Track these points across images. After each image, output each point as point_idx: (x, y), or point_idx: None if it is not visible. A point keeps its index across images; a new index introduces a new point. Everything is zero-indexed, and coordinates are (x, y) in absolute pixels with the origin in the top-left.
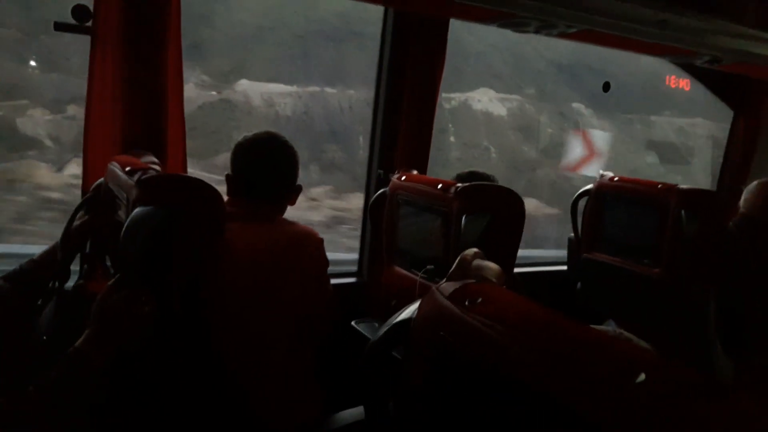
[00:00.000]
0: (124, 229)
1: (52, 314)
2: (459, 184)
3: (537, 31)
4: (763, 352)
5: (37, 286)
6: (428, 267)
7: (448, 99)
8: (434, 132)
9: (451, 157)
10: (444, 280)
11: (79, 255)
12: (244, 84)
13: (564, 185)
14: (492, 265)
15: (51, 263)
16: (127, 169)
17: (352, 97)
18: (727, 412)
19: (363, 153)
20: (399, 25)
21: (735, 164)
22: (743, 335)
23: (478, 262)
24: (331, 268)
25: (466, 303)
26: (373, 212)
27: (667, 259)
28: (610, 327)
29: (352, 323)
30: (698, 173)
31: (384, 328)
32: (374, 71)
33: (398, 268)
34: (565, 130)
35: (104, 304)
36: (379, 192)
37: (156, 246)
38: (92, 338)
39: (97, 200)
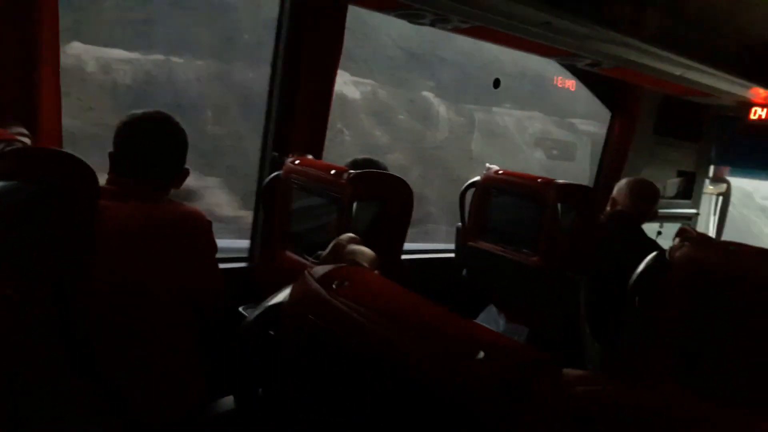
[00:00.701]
0: None
1: None
2: (351, 171)
3: (432, 24)
4: (625, 337)
5: None
6: (319, 252)
7: None
8: None
9: None
10: (317, 263)
11: None
12: (77, 47)
13: (411, 169)
14: (365, 250)
15: None
16: None
17: (201, 69)
18: (558, 389)
19: (212, 129)
20: (296, 8)
21: (611, 161)
22: (609, 321)
23: (351, 247)
24: (221, 253)
25: (334, 286)
26: (266, 195)
27: (545, 249)
28: (491, 312)
29: (240, 309)
30: (534, 161)
31: (257, 311)
32: (227, 43)
33: (290, 253)
34: (415, 117)
35: None
36: (273, 175)
37: (20, 224)
38: None
39: None
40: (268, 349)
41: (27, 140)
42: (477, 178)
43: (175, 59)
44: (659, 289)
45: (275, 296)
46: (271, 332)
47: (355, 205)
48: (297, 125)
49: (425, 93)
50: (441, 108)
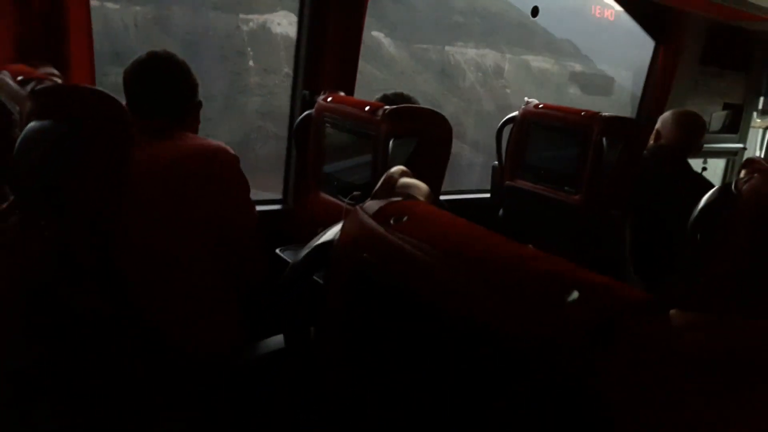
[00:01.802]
0: (17, 145)
1: None
2: (387, 107)
3: None
4: (671, 275)
5: None
6: (355, 193)
7: (246, 21)
8: (231, 55)
9: (250, 82)
10: (368, 199)
11: None
12: None
13: None
14: (419, 184)
15: None
16: (20, 78)
17: (138, 14)
18: (667, 329)
19: None
20: None
21: (654, 93)
22: (654, 259)
23: (404, 180)
24: (255, 195)
25: (391, 222)
26: (298, 135)
27: (588, 186)
28: None
29: (277, 251)
30: (488, 101)
31: (305, 251)
32: None
33: (324, 194)
34: (365, 58)
35: None
36: (305, 114)
37: (54, 164)
38: None
39: None
40: (317, 289)
41: (57, 80)
42: (515, 113)
43: (110, 5)
44: (723, 224)
45: (322, 235)
46: (321, 272)
47: (391, 142)
48: (327, 62)
49: (375, 33)
50: (392, 48)
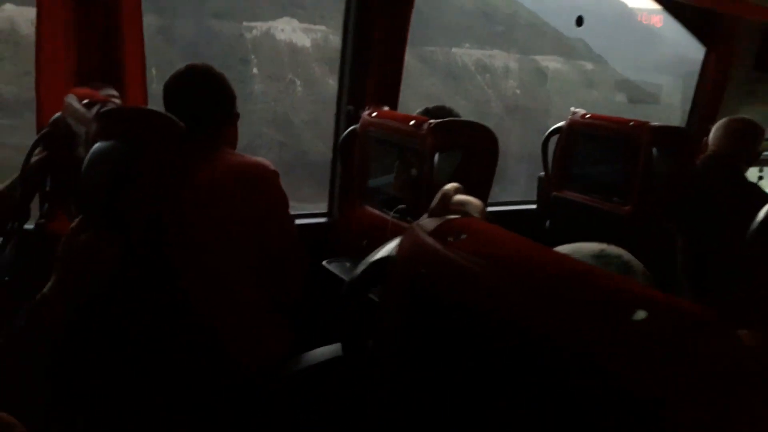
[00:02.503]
0: (84, 165)
1: (13, 255)
2: (432, 121)
3: None
4: (727, 289)
5: None
6: (400, 206)
7: (249, 28)
8: (234, 63)
9: (255, 90)
10: (424, 216)
11: (39, 193)
12: (9, 9)
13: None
14: (475, 201)
15: (9, 201)
16: (85, 101)
17: (151, 26)
18: (736, 349)
19: (157, 87)
20: None
21: (705, 101)
22: (708, 272)
23: (460, 197)
24: (300, 208)
25: (449, 239)
26: (343, 150)
27: (637, 197)
28: None
29: (324, 263)
30: (497, 102)
31: (361, 267)
32: None
33: (369, 208)
34: None
35: (68, 247)
36: (349, 129)
37: (118, 182)
38: (59, 284)
39: (55, 135)
40: (374, 304)
41: (117, 100)
42: (561, 123)
43: None
44: None
45: (378, 251)
46: (377, 288)
47: (436, 156)
48: (371, 77)
49: None
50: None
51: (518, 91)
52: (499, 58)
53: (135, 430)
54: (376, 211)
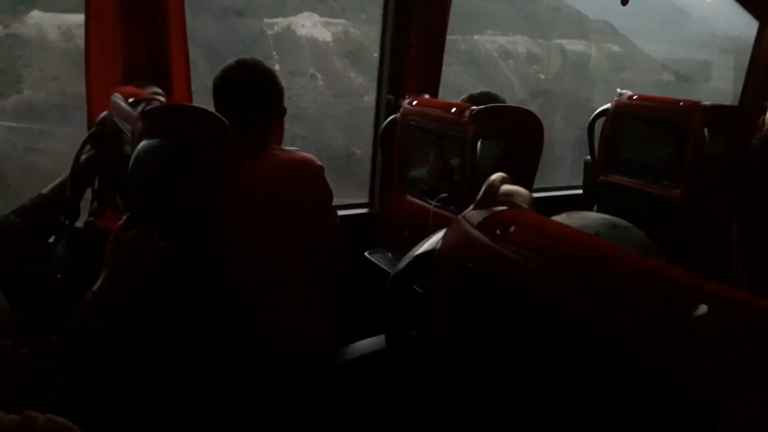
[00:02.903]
0: (130, 163)
1: (64, 251)
2: (474, 107)
3: None
4: None
5: (47, 222)
6: (442, 195)
7: (270, 25)
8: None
9: None
10: (470, 208)
11: (89, 191)
12: (36, 16)
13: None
14: (522, 191)
15: (60, 199)
16: (131, 100)
17: None
18: None
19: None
20: None
21: (760, 78)
22: (764, 256)
23: (507, 187)
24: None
25: (498, 232)
26: (383, 139)
27: (689, 180)
28: None
29: (366, 254)
30: (521, 88)
31: (406, 261)
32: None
33: (411, 197)
34: None
35: (116, 244)
36: (390, 118)
37: (164, 179)
38: (109, 280)
39: (102, 134)
40: (419, 297)
41: (162, 99)
42: (607, 105)
43: None
44: None
45: (423, 244)
46: (422, 281)
47: (479, 143)
48: (411, 65)
49: None
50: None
51: (542, 76)
52: (522, 44)
53: (183, 418)
54: (418, 201)
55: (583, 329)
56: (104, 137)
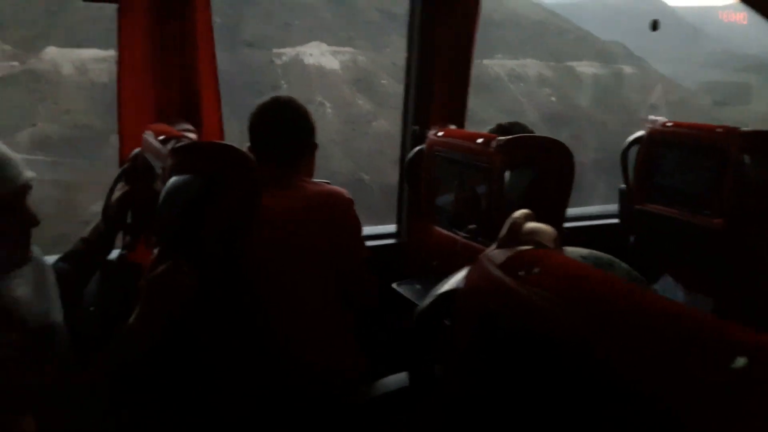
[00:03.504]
0: (160, 199)
1: (97, 285)
2: (500, 138)
3: None
4: None
5: (90, 263)
6: (470, 226)
7: (279, 54)
8: (266, 90)
9: None
10: (492, 246)
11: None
12: (51, 52)
13: (399, 135)
14: (547, 228)
15: (96, 234)
16: (161, 137)
17: None
18: None
19: None
20: None
21: None
22: None
23: (531, 225)
24: (370, 230)
25: (521, 273)
26: (409, 170)
27: (730, 209)
28: (667, 282)
29: (393, 285)
30: (532, 111)
31: (429, 299)
32: None
33: (438, 228)
34: (400, 80)
35: (149, 279)
36: (416, 149)
37: (192, 214)
38: (142, 314)
39: (134, 170)
40: (442, 335)
41: (193, 135)
42: (641, 133)
43: None
44: None
45: (446, 282)
46: (445, 321)
47: (506, 174)
48: (437, 97)
49: None
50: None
51: (554, 99)
52: (532, 67)
53: None
54: (446, 232)
55: (609, 376)
56: (136, 173)
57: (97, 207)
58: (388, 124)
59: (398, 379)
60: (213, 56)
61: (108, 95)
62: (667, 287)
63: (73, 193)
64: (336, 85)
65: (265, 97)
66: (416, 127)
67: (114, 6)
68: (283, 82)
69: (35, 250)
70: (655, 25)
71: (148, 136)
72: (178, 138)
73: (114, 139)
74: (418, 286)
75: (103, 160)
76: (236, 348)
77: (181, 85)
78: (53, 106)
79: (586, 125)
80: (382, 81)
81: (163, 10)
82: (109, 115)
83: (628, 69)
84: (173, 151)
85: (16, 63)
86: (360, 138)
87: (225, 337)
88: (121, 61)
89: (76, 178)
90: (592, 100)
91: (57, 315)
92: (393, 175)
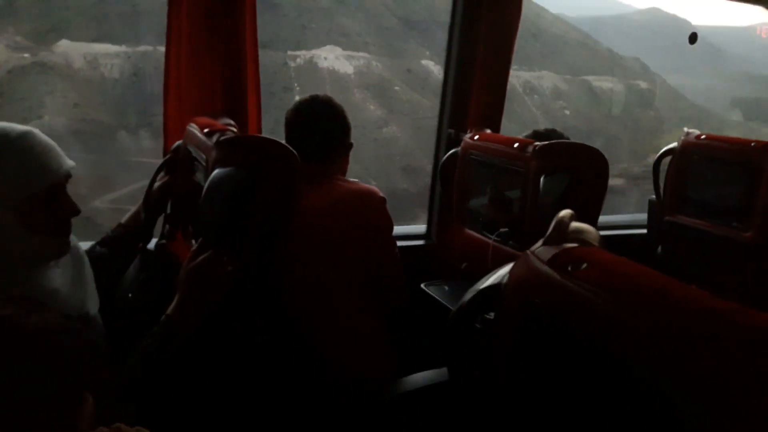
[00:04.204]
0: (204, 190)
1: (135, 273)
2: (537, 143)
3: None
4: None
5: (128, 248)
6: (502, 230)
7: (293, 57)
8: (277, 91)
9: None
10: (539, 243)
11: (162, 215)
12: (64, 45)
13: (409, 142)
14: (592, 229)
15: (137, 226)
16: (206, 130)
17: None
18: None
19: None
20: None
21: None
22: None
23: (577, 224)
24: (400, 230)
25: (569, 269)
26: (443, 173)
27: (760, 222)
28: None
29: (422, 286)
30: (545, 123)
31: (470, 294)
32: None
33: (469, 231)
34: (413, 87)
35: (188, 269)
36: (451, 152)
37: (235, 206)
38: (182, 304)
39: (176, 161)
40: (482, 331)
41: (234, 129)
42: (673, 144)
43: (162, 49)
44: None
45: (488, 278)
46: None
47: (542, 179)
48: (474, 100)
49: (424, 62)
50: (441, 76)
51: (567, 112)
52: (548, 79)
53: None
54: (477, 234)
55: (654, 373)
56: (178, 164)
57: (100, 203)
58: (399, 130)
59: (433, 374)
60: (256, 54)
61: (119, 90)
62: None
63: (74, 187)
64: (348, 90)
65: (303, 96)
66: (452, 130)
67: (130, 2)
68: (295, 84)
69: (74, 239)
70: (693, 38)
71: (193, 128)
72: (223, 131)
73: (122, 136)
74: (446, 288)
75: (109, 156)
76: (267, 343)
77: (226, 81)
78: (62, 99)
79: (596, 138)
80: (396, 87)
81: (212, 6)
82: (118, 110)
83: (643, 84)
84: (218, 143)
85: (27, 55)
86: (370, 144)
87: (257, 331)
88: (168, 55)
89: (78, 172)
90: (606, 115)
91: (93, 306)
92: (400, 181)
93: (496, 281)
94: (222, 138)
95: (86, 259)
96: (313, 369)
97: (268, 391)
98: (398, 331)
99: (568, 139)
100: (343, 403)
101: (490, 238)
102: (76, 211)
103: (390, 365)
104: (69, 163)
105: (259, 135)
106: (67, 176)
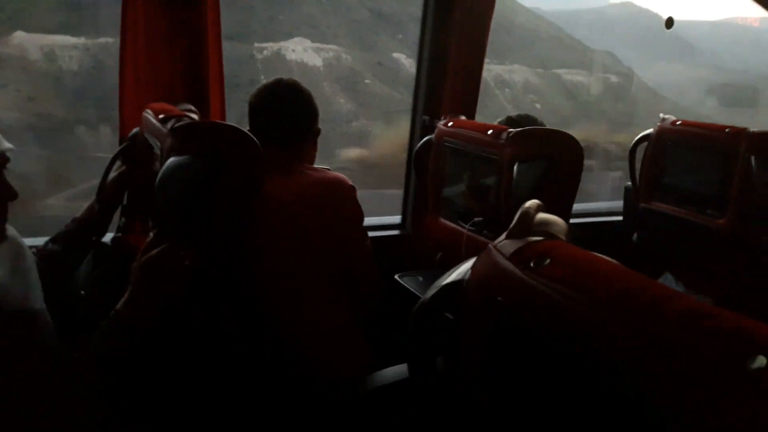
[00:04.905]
0: (157, 180)
1: (89, 268)
2: (511, 129)
3: None
4: None
5: (82, 244)
6: (476, 219)
7: (260, 49)
8: (244, 84)
9: None
10: (502, 237)
11: (119, 208)
12: (19, 36)
13: (372, 135)
14: (558, 220)
15: (92, 220)
16: (161, 116)
17: None
18: None
19: None
20: None
21: None
22: None
23: (542, 216)
24: (374, 220)
25: (532, 264)
26: (417, 161)
27: (734, 209)
28: (668, 280)
29: (396, 277)
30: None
31: (432, 291)
32: None
33: (444, 220)
34: (383, 80)
35: (143, 262)
36: (425, 139)
37: (192, 197)
38: (133, 299)
39: (133, 150)
40: (445, 327)
41: (194, 116)
42: (649, 130)
43: None
44: None
45: (451, 273)
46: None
47: (516, 166)
48: (448, 87)
49: (396, 54)
50: (413, 69)
51: (538, 106)
52: (520, 73)
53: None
54: (451, 224)
55: (619, 369)
56: (135, 153)
57: (54, 200)
58: (369, 123)
59: (397, 371)
60: (219, 44)
61: (78, 83)
62: (668, 285)
63: (26, 184)
64: (317, 83)
65: (268, 80)
66: (426, 117)
67: None
68: (262, 76)
69: (11, 230)
70: (669, 23)
71: (148, 115)
72: (179, 117)
73: (79, 130)
74: (420, 279)
75: (63, 151)
76: (235, 337)
77: (186, 67)
78: (15, 92)
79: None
80: (366, 81)
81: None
82: (77, 104)
83: (614, 78)
84: (173, 130)
85: None
86: (339, 138)
87: (224, 325)
88: (123, 39)
89: (32, 168)
90: (576, 107)
91: (37, 301)
92: (366, 177)
93: (458, 277)
94: (177, 124)
95: (27, 249)
96: (285, 363)
97: (241, 385)
98: (373, 324)
99: (542, 125)
100: (317, 397)
101: (464, 228)
102: (12, 195)
103: (366, 358)
104: (6, 145)
105: (216, 121)
106: (4, 158)
